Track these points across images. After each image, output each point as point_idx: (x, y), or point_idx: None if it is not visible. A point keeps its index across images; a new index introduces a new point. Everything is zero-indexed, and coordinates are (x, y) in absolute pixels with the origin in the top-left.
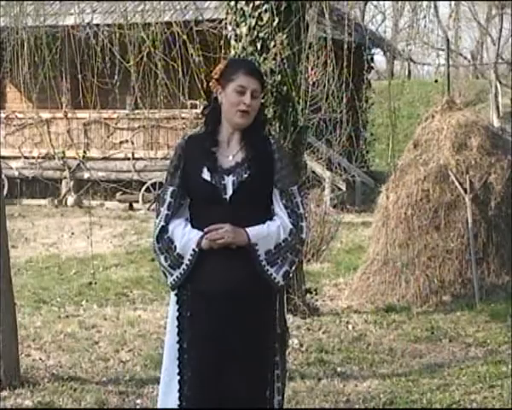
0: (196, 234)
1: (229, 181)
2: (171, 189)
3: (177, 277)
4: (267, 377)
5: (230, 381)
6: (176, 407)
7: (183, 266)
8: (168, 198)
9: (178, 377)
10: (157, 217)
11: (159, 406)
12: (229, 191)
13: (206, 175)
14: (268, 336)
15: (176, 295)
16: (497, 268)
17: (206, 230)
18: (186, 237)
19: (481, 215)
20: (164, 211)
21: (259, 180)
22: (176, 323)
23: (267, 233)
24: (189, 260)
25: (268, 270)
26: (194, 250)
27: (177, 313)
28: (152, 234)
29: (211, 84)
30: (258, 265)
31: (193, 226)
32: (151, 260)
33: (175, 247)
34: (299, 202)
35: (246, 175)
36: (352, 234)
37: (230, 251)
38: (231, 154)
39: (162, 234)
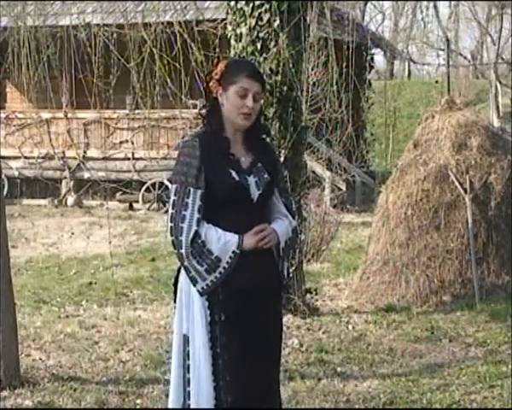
0: (233, 236)
1: (252, 181)
2: (199, 192)
3: (211, 281)
4: (279, 373)
5: (266, 378)
6: None
7: (220, 270)
8: (198, 201)
9: (214, 384)
10: (182, 221)
11: None
12: (255, 191)
13: (235, 176)
14: (280, 332)
15: (207, 300)
16: (497, 268)
17: (253, 231)
18: (223, 239)
19: (481, 215)
20: (194, 214)
21: (274, 181)
22: (208, 328)
23: (286, 231)
24: (227, 262)
25: (279, 266)
26: (234, 252)
27: (209, 319)
28: (169, 240)
29: (211, 84)
30: (276, 261)
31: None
32: (151, 260)
33: (209, 250)
34: (292, 199)
35: (266, 176)
36: (352, 234)
37: (259, 250)
38: (242, 155)
39: (196, 238)
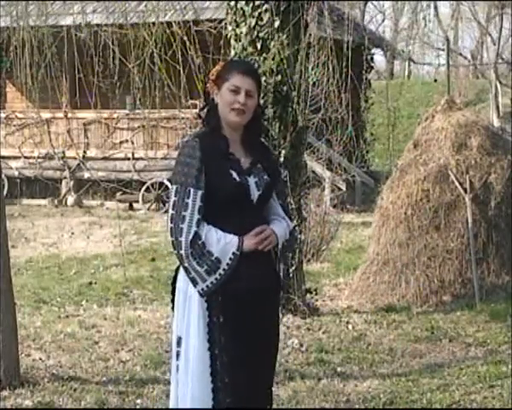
0: (233, 237)
1: (251, 182)
2: (200, 192)
3: (211, 282)
4: (274, 373)
5: (262, 379)
6: None
7: (220, 271)
8: (198, 202)
9: (212, 385)
10: (181, 222)
11: None
12: (254, 192)
13: (235, 176)
14: (278, 332)
15: (206, 301)
16: (497, 268)
17: (253, 232)
18: (223, 240)
19: (481, 215)
20: (194, 215)
21: (274, 182)
22: (206, 329)
23: (284, 233)
24: (227, 264)
25: (277, 268)
26: (234, 254)
27: (207, 320)
28: (169, 240)
29: (208, 85)
30: (274, 263)
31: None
32: (151, 260)
33: (209, 251)
34: (289, 202)
35: (266, 177)
36: (352, 234)
37: (258, 251)
38: (242, 155)
39: (195, 239)
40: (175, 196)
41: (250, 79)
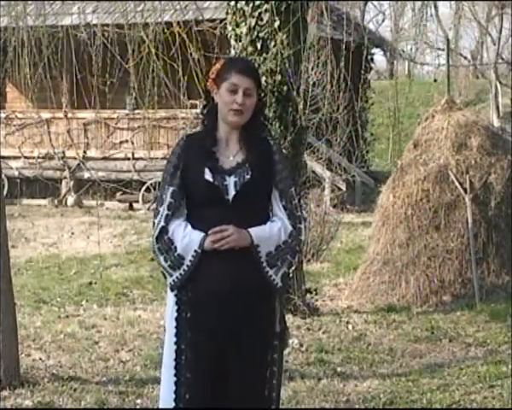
0: (198, 235)
1: (230, 182)
2: (171, 189)
3: (177, 277)
4: (266, 375)
5: (231, 381)
6: (171, 407)
7: (184, 267)
8: (168, 198)
9: (175, 379)
10: (156, 217)
11: (160, 406)
12: (232, 192)
13: (208, 176)
14: (267, 335)
15: (175, 296)
16: (497, 268)
17: (210, 231)
18: (187, 238)
19: (481, 215)
20: (164, 211)
21: (261, 181)
22: (174, 324)
23: (269, 235)
24: (190, 260)
25: (268, 271)
26: (195, 251)
27: (175, 314)
28: (150, 234)
29: (208, 84)
30: (259, 266)
31: (193, 227)
32: (151, 260)
33: (175, 247)
34: (298, 203)
35: (248, 176)
36: (352, 234)
37: (232, 252)
38: (231, 154)
39: (162, 234)
40: (158, 192)
41: (248, 78)
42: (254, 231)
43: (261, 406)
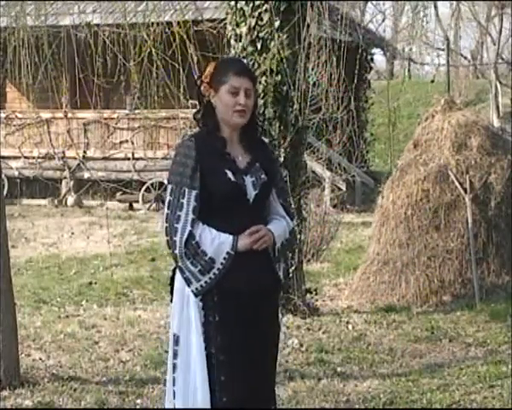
0: (227, 237)
1: (248, 182)
2: (194, 192)
3: (205, 282)
4: (275, 373)
5: (260, 379)
6: None
7: (214, 271)
8: (193, 202)
9: (208, 383)
10: (176, 222)
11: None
12: (251, 192)
13: (231, 176)
14: (278, 333)
15: (201, 300)
16: (497, 268)
17: (248, 232)
18: (217, 240)
19: (481, 215)
20: (189, 215)
21: (272, 181)
22: (202, 329)
23: (280, 232)
24: (221, 263)
25: (275, 268)
26: (228, 253)
27: (203, 319)
28: (165, 239)
29: (202, 88)
30: (272, 263)
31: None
32: (151, 260)
33: (203, 251)
34: (290, 201)
35: (263, 176)
36: (352, 234)
37: (255, 251)
38: (240, 154)
39: (190, 239)
40: (170, 196)
41: (246, 79)
42: (274, 230)
43: (274, 402)
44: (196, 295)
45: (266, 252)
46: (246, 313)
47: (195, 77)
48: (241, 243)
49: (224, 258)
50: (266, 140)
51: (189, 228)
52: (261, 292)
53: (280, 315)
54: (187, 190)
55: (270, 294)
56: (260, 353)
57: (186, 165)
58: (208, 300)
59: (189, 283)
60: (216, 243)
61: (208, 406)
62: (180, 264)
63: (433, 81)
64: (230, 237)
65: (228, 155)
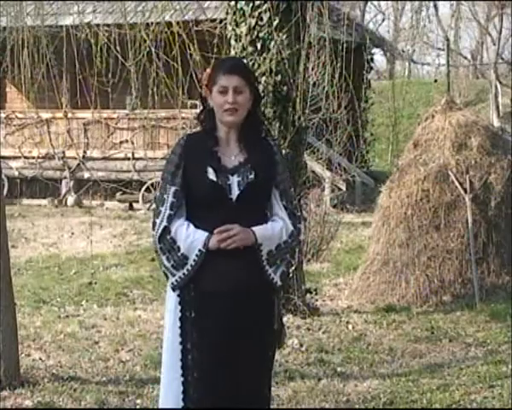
0: (202, 234)
1: (234, 181)
2: (173, 189)
3: (179, 277)
4: (267, 374)
5: (237, 380)
6: (179, 407)
7: (188, 267)
8: (171, 198)
9: (182, 379)
10: (157, 217)
11: (160, 406)
12: (235, 191)
13: (211, 175)
14: (267, 333)
15: (178, 295)
16: (497, 268)
17: (216, 231)
18: (191, 237)
19: (481, 215)
20: (166, 211)
21: (264, 181)
22: (178, 324)
23: (271, 234)
24: (194, 260)
25: (267, 270)
26: (200, 251)
27: (179, 314)
28: (150, 234)
29: (202, 90)
30: (260, 265)
31: (195, 226)
32: (151, 260)
33: (178, 247)
34: (298, 203)
35: (251, 176)
36: (352, 234)
37: (235, 251)
38: (233, 154)
39: (165, 234)
40: (158, 192)
41: (236, 76)
42: (258, 230)
43: (263, 404)
44: (173, 290)
45: (254, 254)
46: (224, 313)
47: (197, 80)
48: (211, 241)
49: (196, 255)
50: (272, 141)
51: (164, 223)
52: (241, 292)
53: (275, 315)
54: (168, 185)
55: (257, 298)
56: (240, 353)
57: (172, 162)
58: (185, 295)
59: (166, 277)
60: (189, 239)
61: (179, 402)
62: (156, 258)
63: (436, 81)
64: (205, 234)
65: (215, 153)
